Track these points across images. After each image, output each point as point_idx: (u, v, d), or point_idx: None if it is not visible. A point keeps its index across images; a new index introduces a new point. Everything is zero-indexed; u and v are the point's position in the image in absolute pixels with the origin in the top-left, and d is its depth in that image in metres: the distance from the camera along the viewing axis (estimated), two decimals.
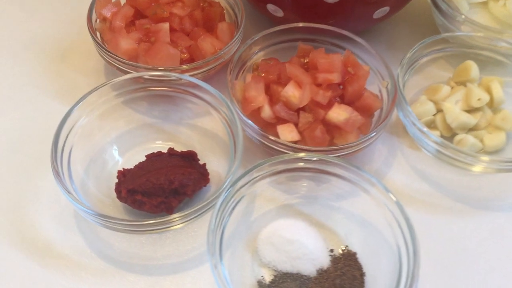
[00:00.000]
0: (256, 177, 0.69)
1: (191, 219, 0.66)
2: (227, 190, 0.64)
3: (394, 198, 0.65)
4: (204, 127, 0.80)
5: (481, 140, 0.78)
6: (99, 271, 0.67)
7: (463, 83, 0.82)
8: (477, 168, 0.74)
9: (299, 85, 0.74)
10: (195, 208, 0.64)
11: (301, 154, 0.68)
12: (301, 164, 0.70)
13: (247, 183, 0.68)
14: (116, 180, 0.71)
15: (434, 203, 0.75)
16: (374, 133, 0.71)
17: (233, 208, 0.67)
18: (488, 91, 0.81)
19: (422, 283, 0.67)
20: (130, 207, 0.70)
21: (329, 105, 0.73)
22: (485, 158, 0.71)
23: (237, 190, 0.66)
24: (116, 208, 0.71)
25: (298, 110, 0.74)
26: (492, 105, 0.81)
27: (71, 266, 0.67)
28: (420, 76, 0.87)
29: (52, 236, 0.70)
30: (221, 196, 0.64)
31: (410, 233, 0.62)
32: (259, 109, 0.74)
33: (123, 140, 0.78)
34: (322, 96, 0.72)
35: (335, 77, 0.73)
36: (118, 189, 0.69)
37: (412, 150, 0.81)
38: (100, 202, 0.71)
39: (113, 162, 0.76)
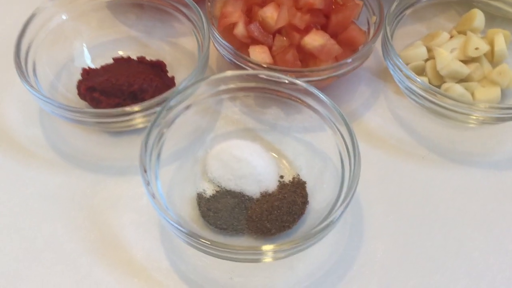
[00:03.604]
0: (219, 91, 0.67)
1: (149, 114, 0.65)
2: (177, 94, 0.63)
3: (346, 127, 0.60)
4: (184, 46, 0.79)
5: (472, 93, 0.71)
6: (49, 162, 0.68)
7: (465, 33, 0.76)
8: (464, 118, 0.68)
9: (280, 7, 0.71)
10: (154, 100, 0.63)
11: (265, 72, 0.66)
12: (268, 85, 0.67)
13: (209, 96, 0.67)
14: None
15: (406, 150, 0.70)
16: (350, 60, 0.67)
17: (176, 117, 0.64)
18: (492, 44, 0.74)
19: (378, 229, 0.63)
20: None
21: (306, 30, 0.69)
22: (482, 105, 0.65)
23: (187, 97, 0.64)
24: (79, 105, 0.72)
25: (275, 34, 0.71)
26: (493, 59, 0.74)
27: (24, 154, 0.69)
28: (424, 25, 0.82)
29: (13, 126, 0.72)
30: (168, 100, 0.62)
31: (355, 161, 0.58)
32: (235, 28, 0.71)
33: (100, 49, 0.77)
34: (299, 19, 0.68)
35: (317, 2, 0.69)
36: (79, 86, 0.69)
37: (398, 96, 0.76)
38: (65, 99, 0.72)
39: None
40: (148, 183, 0.56)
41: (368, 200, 0.65)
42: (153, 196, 0.55)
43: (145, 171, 0.56)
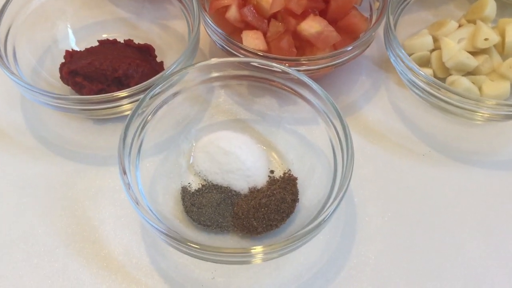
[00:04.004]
0: (210, 78, 0.64)
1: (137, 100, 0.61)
2: (164, 80, 0.59)
3: (342, 125, 0.56)
4: (175, 29, 0.74)
5: (480, 87, 0.67)
6: (29, 149, 0.65)
7: (474, 22, 0.71)
8: (471, 115, 0.63)
9: None
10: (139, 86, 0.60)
11: (258, 60, 0.61)
12: (261, 74, 0.63)
13: (199, 83, 0.63)
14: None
15: (406, 146, 0.66)
16: (349, 48, 0.62)
17: (162, 105, 0.61)
18: (503, 34, 0.69)
19: (372, 229, 0.59)
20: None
21: (303, 16, 0.65)
22: (489, 102, 0.60)
23: (175, 83, 0.60)
24: (63, 91, 0.68)
25: (270, 19, 0.67)
26: (504, 51, 0.69)
27: (3, 140, 0.66)
28: (431, 12, 0.77)
29: None
30: (152, 87, 0.58)
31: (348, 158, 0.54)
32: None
33: (85, 31, 0.73)
34: (296, 3, 0.64)
35: None
36: (61, 69, 0.66)
37: (400, 88, 0.71)
38: (48, 85, 0.68)
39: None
40: (128, 186, 0.52)
41: (362, 198, 0.62)
42: (136, 201, 0.51)
43: (125, 173, 0.53)
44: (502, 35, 0.69)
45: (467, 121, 0.66)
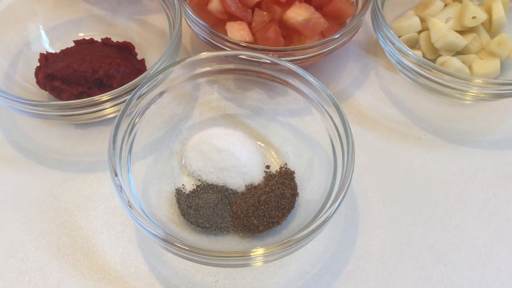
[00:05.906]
0: (196, 74, 0.61)
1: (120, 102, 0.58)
2: (149, 80, 0.56)
3: (339, 115, 0.54)
4: (154, 24, 0.71)
5: (470, 67, 0.66)
6: (8, 160, 0.61)
7: (460, 0, 0.70)
8: (461, 95, 0.62)
9: None
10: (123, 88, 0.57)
11: (245, 52, 0.59)
12: (249, 66, 0.61)
13: (185, 80, 0.61)
14: None
15: (401, 131, 0.65)
16: (338, 35, 0.61)
17: (149, 105, 0.58)
18: (489, 12, 0.68)
19: (373, 218, 0.58)
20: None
21: (288, 4, 0.63)
22: (478, 80, 0.59)
23: (160, 82, 0.58)
24: (41, 96, 0.64)
25: (254, 8, 0.64)
26: (491, 29, 0.68)
27: None
28: None
29: None
30: (138, 87, 0.55)
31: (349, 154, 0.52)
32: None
33: (58, 31, 0.69)
34: None
35: None
36: (37, 73, 0.62)
37: (389, 72, 0.70)
38: (24, 90, 0.64)
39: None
40: (120, 189, 0.49)
41: (362, 187, 0.60)
42: (129, 205, 0.48)
43: (116, 175, 0.50)
44: (489, 12, 0.68)
45: (458, 101, 0.66)
